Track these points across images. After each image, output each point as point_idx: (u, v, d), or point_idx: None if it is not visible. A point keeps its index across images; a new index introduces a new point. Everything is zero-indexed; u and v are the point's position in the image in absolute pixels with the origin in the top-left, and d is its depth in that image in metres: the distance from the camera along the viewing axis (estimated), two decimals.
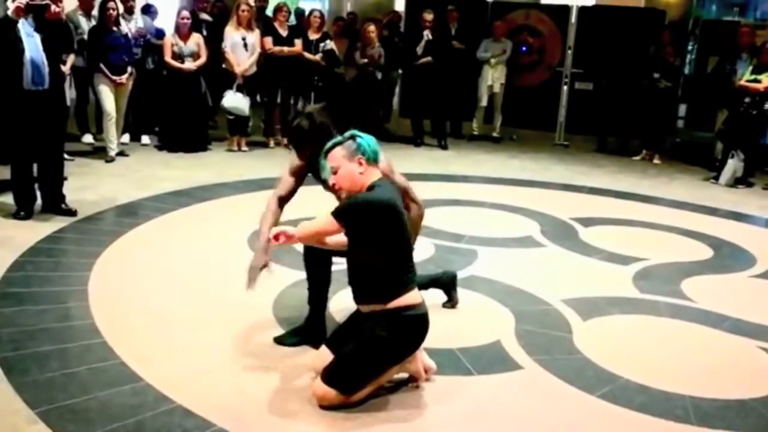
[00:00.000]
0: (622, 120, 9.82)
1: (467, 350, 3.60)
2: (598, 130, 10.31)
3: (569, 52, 10.43)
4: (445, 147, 9.37)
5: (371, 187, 3.06)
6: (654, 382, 3.36)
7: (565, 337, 3.85)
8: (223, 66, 8.18)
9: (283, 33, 8.46)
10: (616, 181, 8.13)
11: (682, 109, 11.09)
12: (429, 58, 9.28)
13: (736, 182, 8.27)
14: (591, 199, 7.33)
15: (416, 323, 3.06)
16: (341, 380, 2.98)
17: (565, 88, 10.52)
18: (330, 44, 8.73)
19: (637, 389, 3.31)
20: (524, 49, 10.74)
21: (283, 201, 3.55)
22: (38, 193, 5.40)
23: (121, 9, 7.58)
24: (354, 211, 3.02)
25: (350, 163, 3.05)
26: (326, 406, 2.97)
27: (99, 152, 7.56)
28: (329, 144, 3.15)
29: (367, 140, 3.12)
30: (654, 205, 7.18)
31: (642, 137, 9.69)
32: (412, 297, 3.06)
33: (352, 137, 3.11)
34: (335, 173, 3.09)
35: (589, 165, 9.07)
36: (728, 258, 5.54)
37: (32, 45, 5.08)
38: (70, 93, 7.05)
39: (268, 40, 8.34)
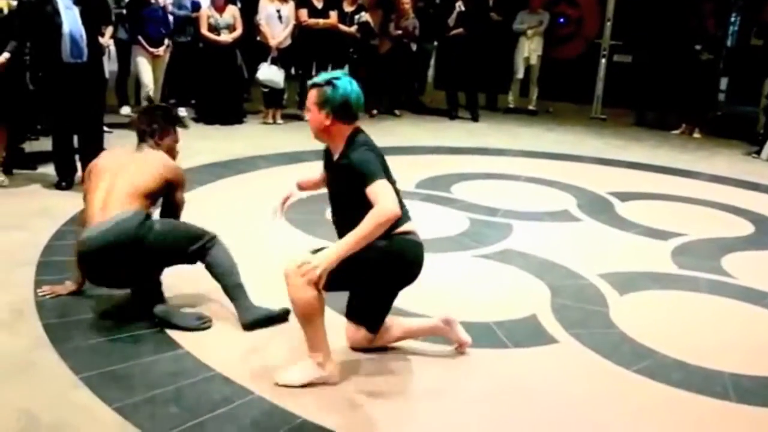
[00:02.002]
0: (662, 93, 9.64)
1: (503, 324, 3.59)
2: (637, 103, 10.15)
3: (608, 23, 10.24)
4: (476, 119, 9.30)
5: (351, 142, 2.89)
6: (692, 359, 3.33)
7: (601, 311, 3.82)
8: (258, 38, 8.18)
9: (318, 5, 8.42)
10: (654, 156, 8.00)
11: (724, 82, 10.85)
12: (461, 30, 9.18)
13: None
14: (628, 173, 7.23)
15: (413, 245, 2.94)
16: (362, 315, 3.08)
17: (603, 60, 10.35)
18: (365, 16, 8.68)
19: (675, 365, 3.28)
20: (562, 20, 10.58)
21: None
22: (78, 164, 5.49)
23: None
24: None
25: (319, 112, 2.87)
26: (357, 348, 3.13)
27: None
28: (314, 80, 2.93)
29: (342, 91, 2.84)
30: (694, 179, 7.07)
31: (682, 111, 9.51)
32: (409, 226, 2.95)
33: (330, 82, 2.85)
34: (308, 112, 2.94)
35: (626, 139, 8.94)
36: None
37: (71, 18, 5.13)
38: (109, 65, 7.11)
39: (303, 12, 8.31)
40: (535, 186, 6.43)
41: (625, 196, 6.16)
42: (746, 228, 5.53)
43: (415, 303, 3.58)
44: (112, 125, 7.35)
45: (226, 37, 7.91)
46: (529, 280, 4.21)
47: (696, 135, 9.24)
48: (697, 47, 8.99)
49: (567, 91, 10.75)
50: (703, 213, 5.88)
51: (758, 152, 8.24)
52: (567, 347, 3.40)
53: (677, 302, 4.06)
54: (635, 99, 10.16)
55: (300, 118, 8.68)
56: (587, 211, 5.70)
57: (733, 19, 11.17)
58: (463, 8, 9.17)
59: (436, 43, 9.74)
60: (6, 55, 5.01)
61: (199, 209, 5.15)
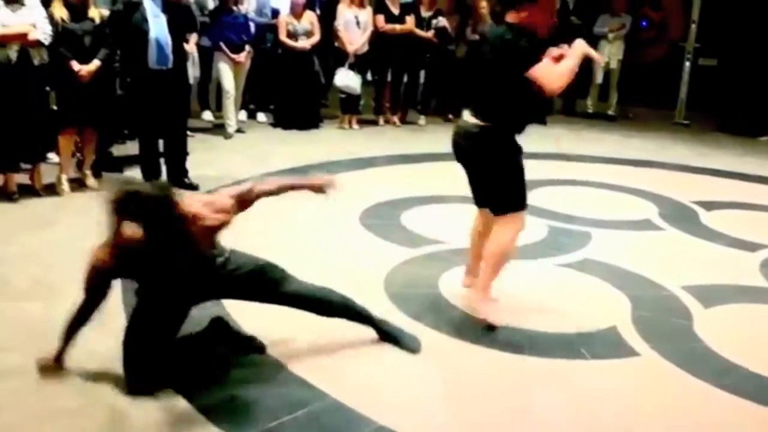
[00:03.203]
0: (749, 98, 9.29)
1: (582, 335, 3.52)
2: (722, 108, 9.80)
3: (693, 26, 9.93)
4: (543, 123, 9.12)
5: None
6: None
7: (685, 324, 3.70)
8: (336, 44, 8.28)
9: (395, 11, 8.45)
10: (741, 163, 7.71)
11: None
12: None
13: None
14: (714, 181, 6.99)
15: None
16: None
17: (688, 63, 10.05)
18: (442, 21, 8.66)
19: (764, 382, 3.15)
20: (644, 23, 10.31)
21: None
22: (163, 168, 5.66)
23: None
24: None
25: None
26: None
27: (218, 129, 7.84)
28: None
29: None
30: None
31: None
32: None
33: None
34: None
35: (711, 145, 8.65)
36: None
37: (158, 26, 5.30)
38: (193, 71, 7.32)
39: (381, 18, 8.36)
40: (615, 193, 6.28)
41: (710, 206, 5.95)
42: None
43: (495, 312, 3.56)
44: (194, 130, 7.56)
45: (304, 43, 8.03)
46: (608, 291, 4.12)
47: None
48: None
49: (649, 95, 10.47)
50: None
51: None
52: (648, 361, 3.31)
53: (766, 317, 3.90)
54: (720, 104, 9.82)
55: (375, 123, 8.75)
56: (670, 220, 5.54)
57: None
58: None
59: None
60: (96, 62, 5.21)
61: (277, 212, 5.25)
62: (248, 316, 3.41)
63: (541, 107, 3.32)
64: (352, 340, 3.36)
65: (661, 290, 4.13)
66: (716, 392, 3.06)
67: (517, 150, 3.47)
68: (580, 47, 3.37)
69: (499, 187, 3.49)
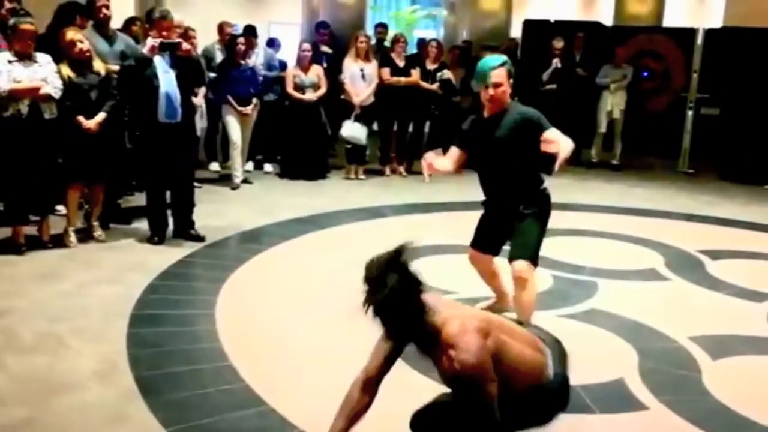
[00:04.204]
0: (752, 147, 9.35)
1: (589, 387, 3.50)
2: (726, 157, 9.85)
3: (695, 75, 10.05)
4: (549, 173, 9.19)
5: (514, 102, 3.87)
6: None
7: (693, 376, 3.68)
8: (342, 96, 8.40)
9: (400, 63, 8.59)
10: (746, 212, 7.72)
11: None
12: (554, 86, 9.26)
13: None
14: (719, 230, 7.00)
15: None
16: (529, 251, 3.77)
17: (690, 113, 10.14)
18: (447, 73, 8.79)
19: None
20: (645, 74, 10.43)
21: (370, 382, 2.63)
22: (170, 219, 5.71)
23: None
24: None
25: (508, 82, 3.73)
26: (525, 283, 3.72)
27: (225, 180, 7.91)
28: (490, 64, 3.70)
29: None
30: None
31: None
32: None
33: (505, 60, 3.73)
34: (497, 87, 3.68)
35: (715, 194, 8.68)
36: None
37: (167, 80, 5.40)
38: (201, 123, 7.42)
39: (386, 71, 8.49)
40: (621, 243, 6.28)
41: (716, 254, 5.95)
42: None
43: None
44: (201, 180, 7.63)
45: (310, 95, 8.15)
46: (615, 342, 4.10)
47: None
48: None
49: (653, 145, 10.54)
50: None
51: None
52: (657, 415, 3.28)
53: None
54: (724, 153, 9.87)
55: (381, 173, 8.81)
56: (676, 269, 5.53)
57: None
58: (559, 65, 9.32)
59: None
60: (102, 115, 5.30)
61: (285, 263, 5.28)
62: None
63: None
64: (321, 369, 3.33)
65: (668, 341, 4.11)
66: None
67: None
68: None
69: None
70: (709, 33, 10.21)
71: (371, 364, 2.55)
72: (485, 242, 4.10)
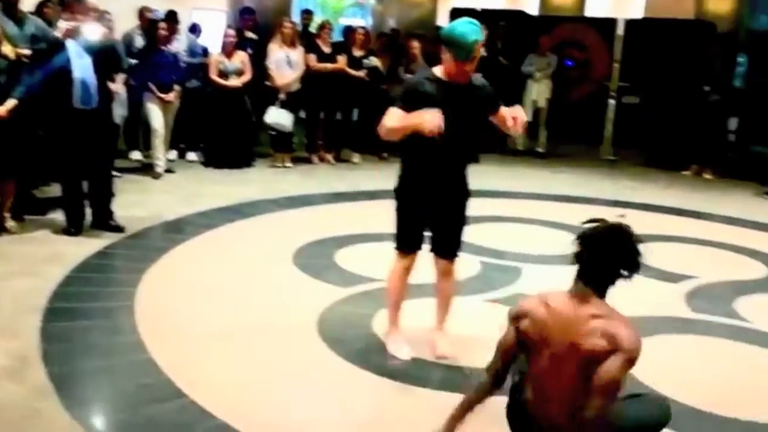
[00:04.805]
0: (672, 134, 9.64)
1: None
2: (647, 144, 10.14)
3: (616, 65, 10.29)
4: (476, 161, 9.28)
5: None
6: (708, 406, 3.26)
7: None
8: (267, 83, 8.26)
9: (327, 50, 8.51)
10: (665, 197, 7.96)
11: (733, 123, 10.84)
12: (479, 75, 9.30)
13: None
14: (640, 214, 7.17)
15: None
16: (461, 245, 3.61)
17: (612, 101, 10.38)
18: (374, 61, 8.75)
19: (690, 413, 3.20)
20: (569, 63, 10.63)
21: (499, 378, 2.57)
22: (88, 210, 5.50)
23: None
24: None
25: None
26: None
27: (146, 169, 7.68)
28: (479, 34, 3.27)
29: None
30: (705, 221, 7.01)
31: (692, 151, 9.49)
32: None
33: None
34: (475, 60, 3.33)
35: (637, 180, 8.92)
36: None
37: (82, 66, 5.19)
38: (121, 110, 7.18)
39: (312, 57, 8.39)
40: (546, 229, 6.38)
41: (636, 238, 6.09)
42: (760, 270, 5.46)
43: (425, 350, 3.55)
44: (122, 170, 7.39)
45: (235, 81, 7.99)
46: None
47: (707, 175, 9.20)
48: (705, 88, 9.01)
49: (576, 132, 10.76)
50: (715, 255, 5.82)
51: None
52: None
53: (691, 347, 3.99)
54: (645, 140, 10.16)
55: (308, 161, 8.72)
56: None
57: (740, 60, 11.20)
58: (484, 53, 9.26)
59: None
60: (12, 101, 5.04)
61: (208, 254, 5.16)
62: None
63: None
64: (243, 361, 3.29)
65: None
66: None
67: None
68: (416, 118, 3.20)
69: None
70: (630, 23, 10.47)
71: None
72: (417, 239, 3.58)
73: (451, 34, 3.29)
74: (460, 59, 3.29)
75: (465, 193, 3.58)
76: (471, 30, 3.28)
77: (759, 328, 4.25)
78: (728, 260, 5.68)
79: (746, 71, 11.15)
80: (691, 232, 6.44)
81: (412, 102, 3.29)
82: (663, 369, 3.63)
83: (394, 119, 3.30)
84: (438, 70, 3.42)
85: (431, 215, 3.53)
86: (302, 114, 8.80)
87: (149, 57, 7.42)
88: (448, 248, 3.61)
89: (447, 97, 3.30)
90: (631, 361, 2.36)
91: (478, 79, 3.52)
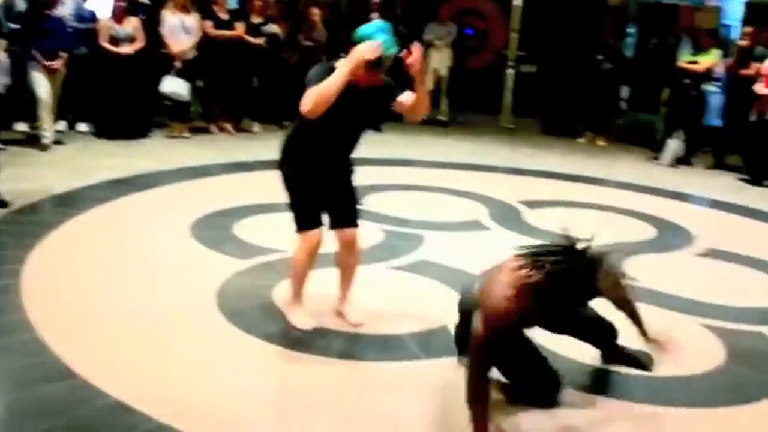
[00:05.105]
0: (567, 102, 9.91)
1: (416, 335, 3.56)
2: (544, 112, 10.39)
3: (514, 35, 10.46)
4: (379, 129, 9.28)
5: None
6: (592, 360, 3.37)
7: None
8: (162, 50, 7.95)
9: (224, 16, 8.26)
10: (562, 164, 8.19)
11: (625, 91, 11.25)
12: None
13: (678, 162, 8.44)
14: (538, 181, 7.37)
15: None
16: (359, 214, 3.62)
17: (510, 71, 10.56)
18: (273, 28, 8.56)
19: (576, 368, 3.31)
20: (469, 32, 10.74)
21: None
22: None
23: None
24: None
25: None
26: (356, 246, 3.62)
27: (33, 141, 7.27)
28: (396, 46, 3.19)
29: None
30: (599, 186, 7.26)
31: (586, 119, 9.79)
32: None
33: None
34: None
35: (535, 147, 9.13)
36: (670, 237, 5.63)
37: None
38: (4, 79, 6.75)
39: (209, 24, 8.13)
40: (447, 196, 6.45)
41: (534, 205, 6.26)
42: (648, 232, 5.71)
43: (331, 318, 3.53)
44: (6, 142, 6.99)
45: (126, 48, 7.65)
46: (442, 291, 4.19)
47: (600, 142, 9.52)
48: (598, 57, 9.29)
49: (477, 101, 10.91)
50: (607, 218, 6.04)
51: (658, 158, 8.56)
52: None
53: None
54: (542, 108, 10.41)
55: (207, 131, 8.48)
56: (497, 220, 5.76)
57: (630, 31, 11.61)
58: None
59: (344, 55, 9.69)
60: None
61: (101, 228, 4.94)
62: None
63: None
64: (138, 336, 3.20)
65: None
66: None
67: None
68: (353, 54, 3.20)
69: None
70: None
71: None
72: (317, 216, 3.51)
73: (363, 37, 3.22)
74: (371, 67, 3.19)
75: (351, 170, 3.57)
76: (387, 41, 3.20)
77: (645, 285, 4.42)
78: (620, 223, 5.91)
79: (636, 41, 11.60)
80: (586, 197, 6.66)
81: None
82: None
83: (319, 86, 3.14)
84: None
85: (322, 194, 3.48)
86: (200, 83, 8.53)
87: (33, 22, 6.98)
88: (348, 217, 3.58)
89: (350, 98, 3.21)
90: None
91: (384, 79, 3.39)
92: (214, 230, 4.95)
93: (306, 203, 3.46)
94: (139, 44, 7.73)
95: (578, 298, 2.55)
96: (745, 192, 7.47)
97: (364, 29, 3.25)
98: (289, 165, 3.46)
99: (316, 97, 3.11)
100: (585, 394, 3.11)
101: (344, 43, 9.55)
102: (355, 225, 3.60)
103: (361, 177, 3.61)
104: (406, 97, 3.37)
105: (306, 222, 3.48)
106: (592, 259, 2.47)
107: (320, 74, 3.21)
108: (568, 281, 2.41)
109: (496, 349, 2.63)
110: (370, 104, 3.37)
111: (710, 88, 8.60)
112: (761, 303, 4.38)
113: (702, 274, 4.91)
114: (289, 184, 3.46)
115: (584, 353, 3.31)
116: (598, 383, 3.24)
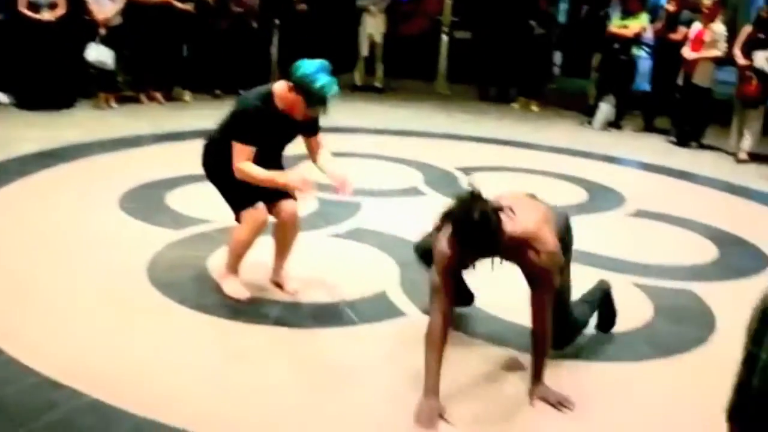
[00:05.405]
0: (501, 68, 9.96)
1: (353, 303, 3.55)
2: (479, 78, 10.43)
3: (447, 1, 10.43)
4: None
5: None
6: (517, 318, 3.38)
7: None
8: (86, 17, 7.64)
9: None
10: (497, 129, 8.25)
11: (558, 57, 11.38)
12: (303, 6, 9.13)
13: (609, 126, 8.60)
14: (474, 147, 7.41)
15: None
16: None
17: (445, 37, 10.55)
18: None
19: (489, 319, 3.36)
20: None
21: (447, 319, 2.74)
22: None
23: None
24: None
25: None
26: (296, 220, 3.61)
27: None
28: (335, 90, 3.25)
29: None
30: (533, 150, 7.35)
31: (520, 85, 9.87)
32: None
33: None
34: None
35: (471, 113, 9.17)
36: (602, 199, 5.74)
37: None
38: None
39: None
40: (384, 163, 6.44)
41: (469, 170, 6.29)
42: (580, 194, 5.81)
43: (266, 287, 3.49)
44: None
45: (48, 15, 7.33)
46: (379, 257, 4.20)
47: (534, 107, 9.62)
48: (531, 23, 9.34)
49: (412, 67, 10.88)
50: (541, 182, 6.11)
51: (590, 122, 8.71)
52: (414, 320, 3.40)
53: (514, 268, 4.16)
54: (477, 74, 10.44)
55: (136, 100, 8.22)
56: (434, 186, 5.77)
57: None
58: None
59: (278, 21, 9.52)
60: None
61: (25, 202, 4.76)
62: None
63: None
64: (67, 310, 3.12)
65: None
66: (470, 340, 3.23)
67: None
68: (289, 180, 3.35)
69: None
70: None
71: (443, 303, 2.71)
72: (256, 192, 3.45)
73: (309, 85, 3.20)
74: (310, 106, 3.27)
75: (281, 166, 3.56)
76: (330, 85, 3.22)
77: (579, 247, 4.48)
78: (553, 187, 5.99)
79: (568, 7, 11.71)
80: (520, 162, 6.73)
81: (251, 138, 3.28)
82: (495, 291, 3.77)
83: (255, 170, 3.27)
84: (277, 99, 3.32)
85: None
86: (126, 51, 8.24)
87: None
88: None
89: (280, 128, 3.36)
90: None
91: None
92: (145, 202, 4.82)
93: (240, 189, 3.40)
94: (61, 11, 7.42)
95: (485, 244, 2.55)
96: (672, 154, 7.68)
97: (304, 68, 3.22)
98: (216, 168, 3.44)
99: (246, 173, 3.27)
100: (519, 352, 3.15)
101: (275, 10, 9.42)
102: (293, 197, 3.54)
103: (295, 146, 3.55)
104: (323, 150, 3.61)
105: (246, 202, 3.42)
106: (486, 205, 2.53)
107: (247, 128, 3.29)
108: (466, 226, 2.49)
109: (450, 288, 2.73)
110: (298, 129, 3.47)
111: (639, 52, 8.76)
112: (688, 261, 4.52)
113: (632, 234, 5.04)
114: (218, 180, 3.46)
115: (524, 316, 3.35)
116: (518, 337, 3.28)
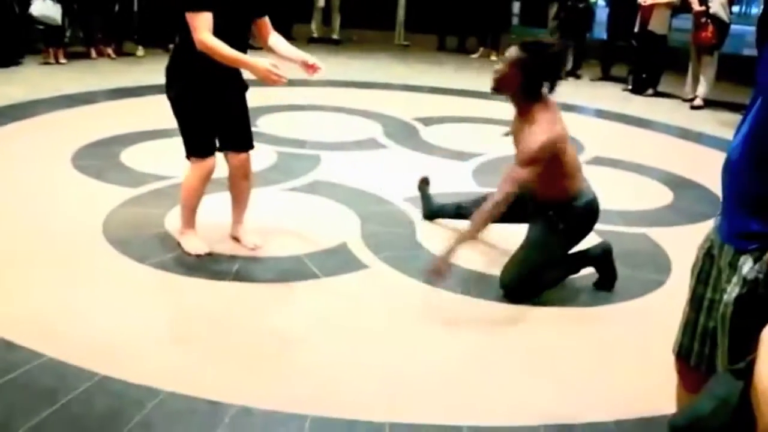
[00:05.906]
0: (460, 18, 9.88)
1: (314, 255, 3.54)
2: (438, 28, 10.34)
3: None
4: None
5: None
6: (491, 269, 3.45)
7: (408, 234, 3.88)
8: None
9: None
10: (455, 80, 8.22)
11: (516, 7, 11.32)
12: None
13: (566, 74, 8.62)
14: (432, 98, 7.38)
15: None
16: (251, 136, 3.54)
17: None
18: None
19: (467, 275, 3.40)
20: None
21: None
22: None
23: None
24: None
25: None
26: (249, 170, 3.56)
27: None
28: None
29: None
30: (490, 100, 7.31)
31: (479, 35, 9.82)
32: None
33: None
34: None
35: (429, 64, 9.11)
36: None
37: None
38: None
39: None
40: (342, 116, 6.38)
41: (428, 121, 6.28)
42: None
43: (225, 243, 3.45)
44: None
45: None
46: (339, 210, 4.18)
47: (493, 58, 9.58)
48: None
49: (370, 18, 10.74)
50: (499, 132, 6.11)
51: None
52: (376, 271, 3.42)
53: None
54: (436, 24, 10.35)
55: (86, 56, 7.99)
56: (393, 138, 5.75)
57: None
58: None
59: None
60: None
61: None
62: None
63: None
64: (22, 274, 3.07)
65: (387, 205, 4.28)
66: (428, 289, 3.25)
67: None
68: (259, 68, 3.08)
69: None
70: None
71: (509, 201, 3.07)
72: (210, 142, 3.38)
73: None
74: None
75: (245, 86, 3.45)
76: None
77: None
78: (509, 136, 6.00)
79: None
80: (478, 113, 6.72)
81: (208, 3, 3.06)
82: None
83: (220, 44, 3.04)
84: None
85: (214, 114, 3.34)
86: (74, 5, 7.98)
87: None
88: (242, 141, 3.47)
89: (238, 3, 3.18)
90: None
91: None
92: (99, 159, 4.72)
93: (198, 126, 3.33)
94: None
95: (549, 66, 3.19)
96: (629, 101, 7.75)
97: None
98: (177, 85, 3.28)
99: (209, 46, 3.04)
100: (482, 299, 3.19)
101: None
102: (247, 148, 3.49)
103: (251, 98, 3.49)
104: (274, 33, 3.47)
105: (198, 147, 3.35)
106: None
107: None
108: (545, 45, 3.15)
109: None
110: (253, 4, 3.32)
111: (597, 0, 8.76)
112: (644, 206, 4.60)
113: (589, 181, 5.07)
114: (179, 107, 3.31)
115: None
116: (488, 289, 3.32)
